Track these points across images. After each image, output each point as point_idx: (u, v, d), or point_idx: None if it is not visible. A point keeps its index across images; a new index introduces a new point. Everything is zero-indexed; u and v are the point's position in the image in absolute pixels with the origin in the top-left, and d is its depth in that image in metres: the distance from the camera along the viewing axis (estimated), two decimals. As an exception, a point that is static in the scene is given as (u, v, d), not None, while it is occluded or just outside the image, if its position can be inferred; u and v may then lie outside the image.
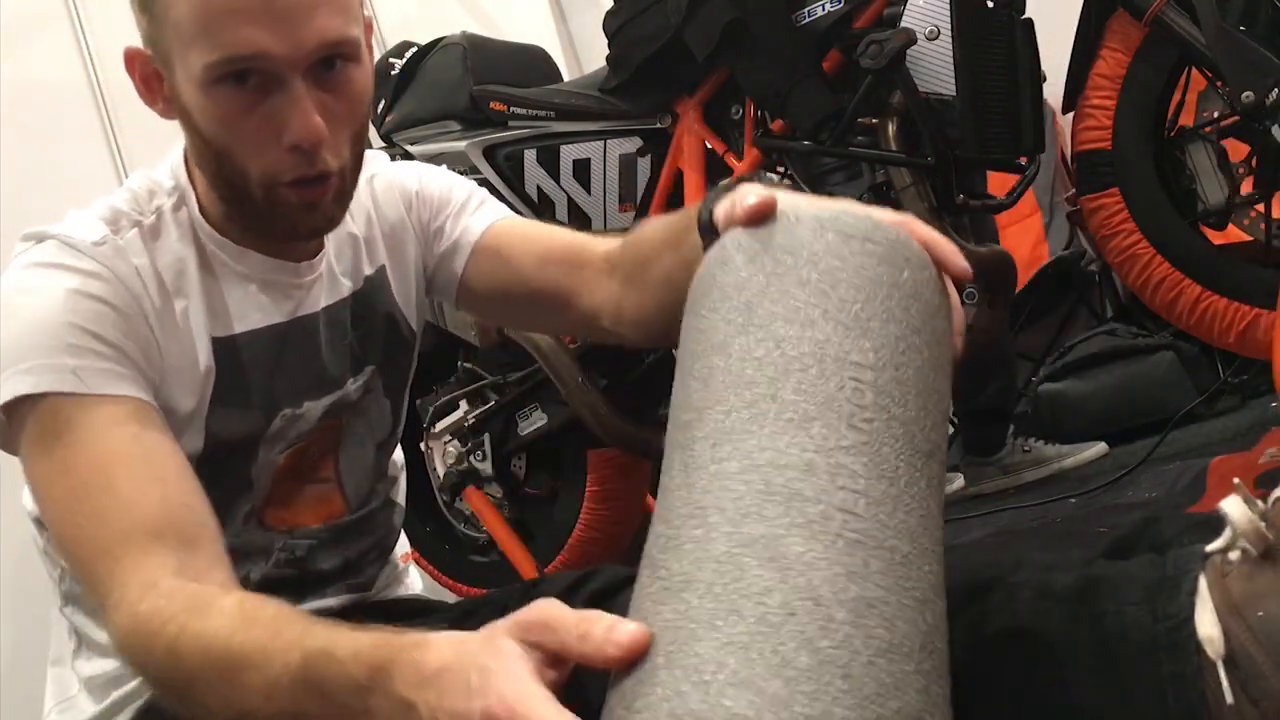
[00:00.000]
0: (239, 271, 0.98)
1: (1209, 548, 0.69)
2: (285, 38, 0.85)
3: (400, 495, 1.19)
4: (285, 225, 0.94)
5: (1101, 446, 2.22)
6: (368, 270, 1.08)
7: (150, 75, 0.93)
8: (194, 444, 0.95)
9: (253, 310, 0.99)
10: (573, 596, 0.93)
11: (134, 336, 0.90)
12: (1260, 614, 0.63)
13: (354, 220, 1.08)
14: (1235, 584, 0.65)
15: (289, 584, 1.03)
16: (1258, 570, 0.65)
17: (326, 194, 0.92)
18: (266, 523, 1.02)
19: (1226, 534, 0.68)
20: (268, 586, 1.01)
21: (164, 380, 0.92)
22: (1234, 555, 0.67)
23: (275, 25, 0.84)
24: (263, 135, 0.88)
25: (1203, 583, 0.67)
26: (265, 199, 0.92)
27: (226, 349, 0.97)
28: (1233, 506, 0.68)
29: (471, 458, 2.23)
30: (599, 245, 1.06)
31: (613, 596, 0.91)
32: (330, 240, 1.05)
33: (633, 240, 1.03)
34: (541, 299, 1.08)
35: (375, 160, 1.14)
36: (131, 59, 0.93)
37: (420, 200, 1.12)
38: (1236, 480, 0.69)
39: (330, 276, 1.05)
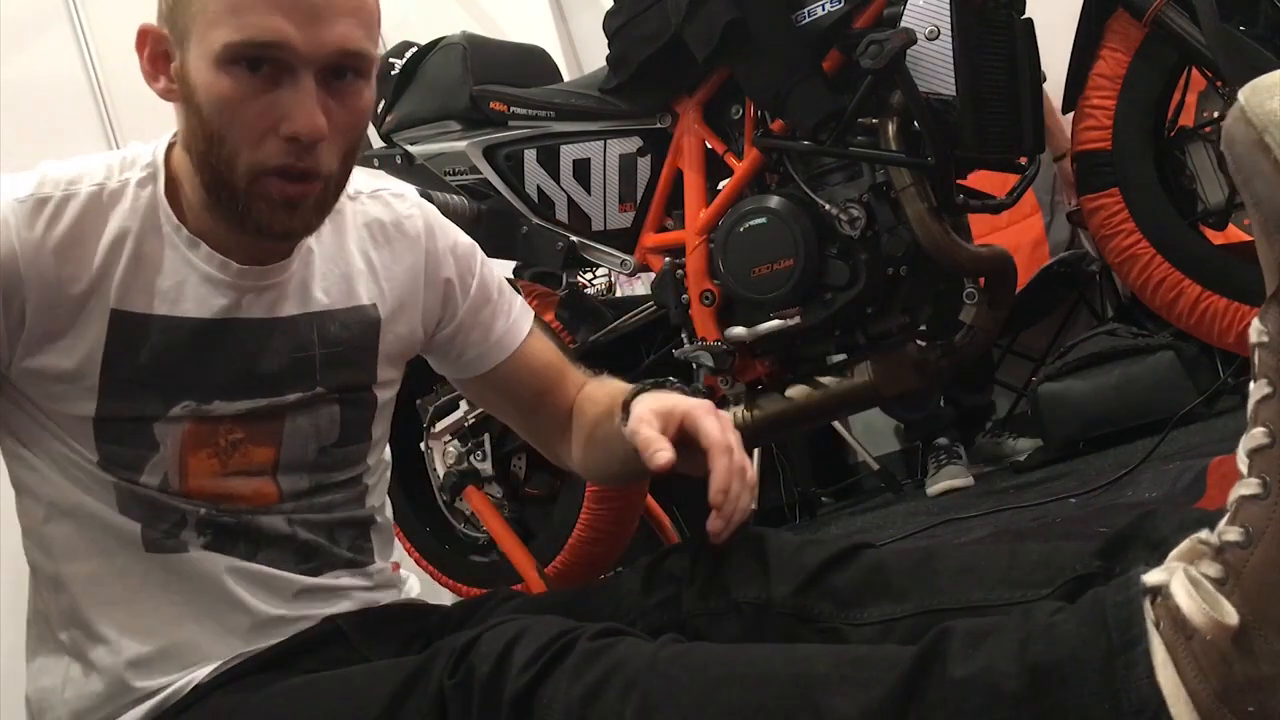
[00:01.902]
0: (184, 258, 0.99)
1: (1148, 580, 0.63)
2: (309, 34, 0.89)
3: (372, 500, 1.14)
4: (260, 220, 0.95)
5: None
6: (364, 299, 1.09)
7: (158, 55, 0.96)
8: (86, 406, 0.96)
9: (186, 300, 0.99)
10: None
11: None
12: (1251, 709, 0.58)
13: (361, 248, 1.09)
14: (1207, 664, 0.59)
15: (230, 532, 1.01)
16: (1231, 652, 0.59)
17: (310, 196, 0.94)
18: (191, 495, 1.00)
19: (1161, 572, 0.62)
20: (212, 528, 1.00)
21: (34, 340, 0.94)
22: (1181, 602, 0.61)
23: (302, 20, 0.88)
24: (262, 122, 0.91)
25: (1157, 646, 0.61)
26: (248, 189, 0.93)
27: (129, 325, 0.97)
28: (1181, 594, 0.61)
29: (471, 458, 2.22)
30: (571, 389, 1.23)
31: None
32: (316, 257, 1.06)
33: (585, 399, 1.21)
34: (534, 420, 1.26)
35: (426, 205, 1.17)
36: (144, 35, 0.96)
37: (479, 287, 1.18)
38: (1178, 556, 0.63)
39: (301, 290, 1.04)
